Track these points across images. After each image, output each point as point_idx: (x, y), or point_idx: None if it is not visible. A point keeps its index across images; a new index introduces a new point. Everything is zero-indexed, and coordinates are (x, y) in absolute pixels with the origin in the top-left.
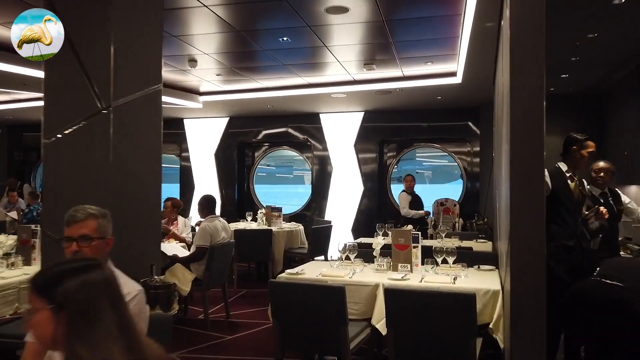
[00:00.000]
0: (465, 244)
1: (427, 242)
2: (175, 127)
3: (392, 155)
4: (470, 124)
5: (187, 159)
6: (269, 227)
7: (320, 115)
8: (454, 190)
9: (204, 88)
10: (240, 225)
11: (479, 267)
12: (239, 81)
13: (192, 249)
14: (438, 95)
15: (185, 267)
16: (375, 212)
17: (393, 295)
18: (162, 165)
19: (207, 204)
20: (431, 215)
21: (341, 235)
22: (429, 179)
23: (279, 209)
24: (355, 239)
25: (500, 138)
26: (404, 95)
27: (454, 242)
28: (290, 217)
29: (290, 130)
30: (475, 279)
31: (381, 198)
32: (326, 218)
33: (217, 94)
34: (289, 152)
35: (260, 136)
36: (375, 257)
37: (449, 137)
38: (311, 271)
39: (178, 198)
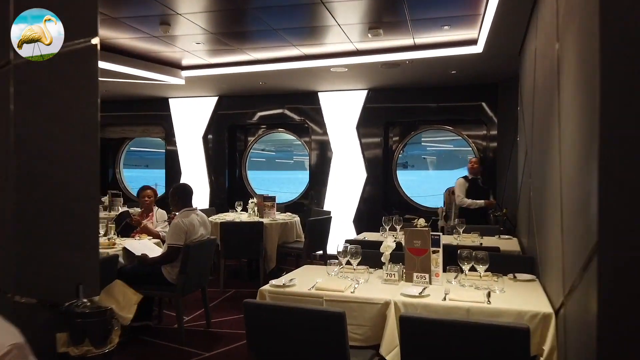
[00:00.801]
0: (487, 241)
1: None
2: (160, 107)
3: (398, 138)
4: (483, 104)
5: (173, 142)
6: (260, 219)
7: (319, 94)
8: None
9: (187, 61)
10: (230, 216)
11: (514, 277)
12: (225, 52)
13: (164, 248)
14: (453, 69)
15: (153, 271)
16: (379, 201)
17: (409, 322)
18: (147, 149)
19: (181, 195)
20: (442, 205)
21: (341, 227)
22: (433, 164)
23: (272, 198)
24: (357, 232)
25: (548, 113)
26: (414, 68)
27: (474, 239)
28: (286, 207)
29: (286, 111)
30: (514, 294)
31: (386, 186)
32: (326, 207)
33: (202, 68)
34: (288, 136)
35: (253, 118)
36: (385, 263)
37: (462, 118)
38: (303, 281)
39: (163, 185)
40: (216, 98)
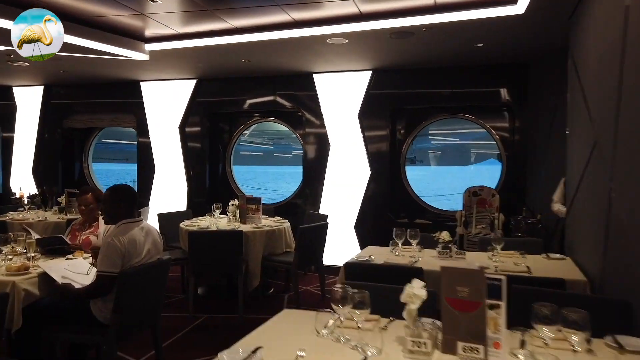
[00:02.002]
0: (535, 263)
1: (470, 256)
2: (131, 92)
3: (407, 129)
4: (508, 89)
5: (146, 133)
6: (240, 226)
7: (315, 76)
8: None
9: (151, 31)
10: (205, 222)
11: (619, 347)
12: (196, 18)
13: (94, 276)
14: (479, 42)
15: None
16: (385, 203)
17: None
18: (119, 141)
19: (120, 200)
20: (461, 208)
21: (340, 233)
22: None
23: (257, 200)
24: (360, 241)
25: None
26: (431, 39)
27: (516, 260)
28: (276, 209)
29: (277, 98)
30: None
31: (393, 184)
32: (322, 209)
33: (170, 39)
34: (282, 127)
35: (239, 106)
36: (408, 323)
37: (483, 104)
38: (274, 353)
39: (135, 181)
40: (194, 81)
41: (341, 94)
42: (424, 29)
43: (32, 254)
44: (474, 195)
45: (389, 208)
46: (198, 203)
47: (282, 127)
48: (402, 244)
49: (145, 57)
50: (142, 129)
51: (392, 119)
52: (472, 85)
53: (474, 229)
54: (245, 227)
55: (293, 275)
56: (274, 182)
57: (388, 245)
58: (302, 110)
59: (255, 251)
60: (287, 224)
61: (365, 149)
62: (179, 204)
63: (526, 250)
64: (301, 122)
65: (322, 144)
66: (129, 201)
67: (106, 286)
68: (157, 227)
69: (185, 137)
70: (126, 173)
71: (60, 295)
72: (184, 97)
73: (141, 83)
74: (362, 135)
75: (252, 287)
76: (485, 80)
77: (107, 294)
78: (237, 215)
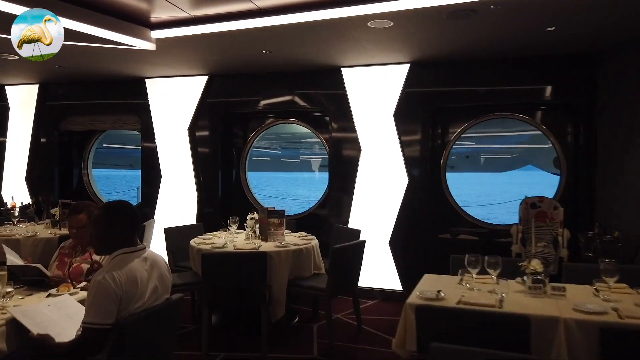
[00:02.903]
0: None
1: (571, 292)
2: (135, 92)
3: (448, 130)
4: (561, 85)
5: (152, 136)
6: (259, 246)
7: (344, 71)
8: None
9: (158, 13)
10: (220, 238)
11: None
12: None
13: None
14: (550, 25)
15: None
16: (425, 215)
17: None
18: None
19: (116, 221)
20: (517, 222)
21: (373, 252)
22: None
23: (280, 213)
24: (396, 263)
25: None
26: (496, 19)
27: (637, 299)
28: (298, 221)
29: (297, 98)
30: None
31: (435, 194)
32: (352, 223)
33: (180, 24)
34: (296, 130)
35: (255, 106)
36: None
37: (539, 101)
38: None
39: (139, 188)
40: (205, 78)
41: (374, 91)
42: (492, 5)
43: (6, 290)
44: (532, 207)
45: (428, 221)
46: (209, 214)
47: (294, 129)
48: (477, 274)
49: (151, 46)
50: (147, 132)
51: (432, 119)
52: (526, 80)
53: (534, 247)
54: (267, 246)
55: (325, 304)
56: (291, 188)
57: (434, 268)
58: (329, 110)
59: (281, 275)
60: (314, 242)
61: (401, 154)
62: (188, 214)
63: (630, 280)
64: (326, 123)
65: (352, 149)
66: (128, 223)
67: (94, 343)
68: (164, 243)
69: (194, 140)
70: (129, 179)
71: (34, 353)
72: (193, 97)
73: (146, 81)
74: (398, 138)
75: (277, 317)
76: (541, 74)
77: (97, 353)
78: (257, 231)
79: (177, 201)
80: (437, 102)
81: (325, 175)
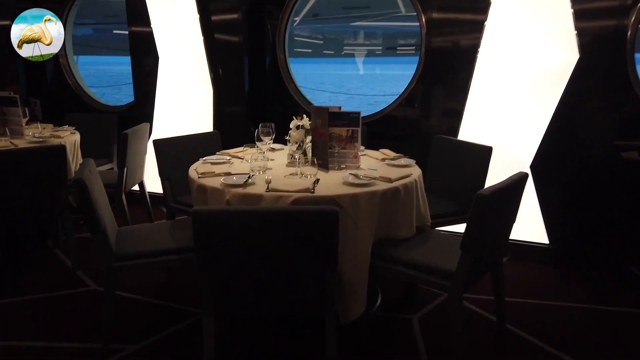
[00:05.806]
0: None
1: None
2: None
3: None
4: None
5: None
6: (313, 182)
7: None
8: None
9: None
10: (240, 163)
11: None
12: None
13: None
14: None
15: None
16: (603, 119)
17: None
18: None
19: None
20: None
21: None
22: None
23: (352, 118)
24: (540, 195)
25: None
26: None
27: None
28: (369, 129)
29: None
30: None
31: (617, 87)
32: (462, 134)
33: None
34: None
35: None
36: None
37: None
38: None
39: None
40: None
41: None
42: None
43: None
44: None
45: (607, 130)
46: (232, 115)
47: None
48: None
49: None
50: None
51: None
52: None
53: None
54: (329, 182)
55: (452, 303)
56: (345, 83)
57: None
58: None
59: (360, 242)
60: (416, 171)
61: (573, 19)
62: (203, 122)
63: None
64: None
65: (464, 24)
66: None
67: None
68: (155, 160)
69: (207, 8)
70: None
71: None
72: None
73: None
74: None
75: (350, 318)
76: None
77: None
78: (308, 151)
79: (184, 96)
80: None
81: (373, 71)
